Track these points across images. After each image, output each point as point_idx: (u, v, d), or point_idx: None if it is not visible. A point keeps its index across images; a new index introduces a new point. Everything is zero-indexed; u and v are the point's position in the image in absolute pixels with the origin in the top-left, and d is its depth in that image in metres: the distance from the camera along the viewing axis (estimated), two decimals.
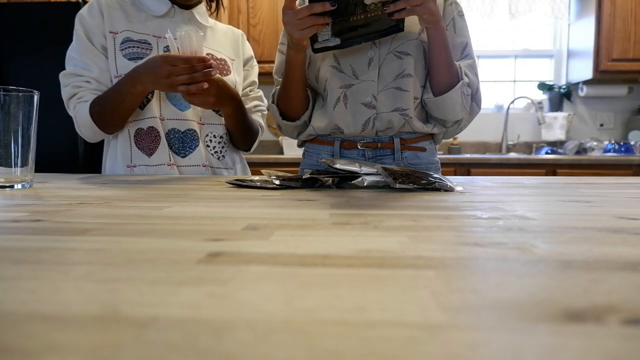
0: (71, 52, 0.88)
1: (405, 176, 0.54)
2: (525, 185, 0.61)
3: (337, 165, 0.57)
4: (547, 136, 2.75)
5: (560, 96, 2.78)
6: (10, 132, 0.54)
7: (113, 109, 0.84)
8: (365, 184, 0.55)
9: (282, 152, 2.73)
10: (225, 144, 0.98)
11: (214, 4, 1.01)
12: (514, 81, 2.91)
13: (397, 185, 0.52)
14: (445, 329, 0.13)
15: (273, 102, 0.92)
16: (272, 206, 0.39)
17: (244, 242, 0.25)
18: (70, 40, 0.90)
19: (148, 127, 0.89)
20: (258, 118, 1.03)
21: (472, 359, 0.11)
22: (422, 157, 0.89)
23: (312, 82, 0.91)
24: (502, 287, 0.17)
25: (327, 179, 0.58)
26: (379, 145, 0.87)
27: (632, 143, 2.52)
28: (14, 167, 0.55)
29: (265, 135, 2.82)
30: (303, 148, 0.99)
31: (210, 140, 0.95)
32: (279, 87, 0.90)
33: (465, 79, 0.83)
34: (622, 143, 2.53)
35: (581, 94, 2.74)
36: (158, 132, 0.89)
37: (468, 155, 2.38)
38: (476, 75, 0.86)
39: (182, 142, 0.91)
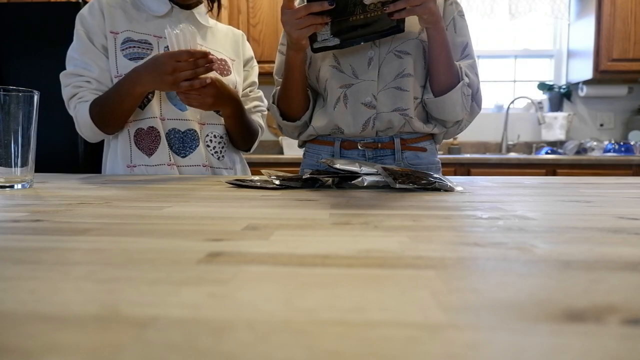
0: (72, 52, 0.88)
1: (405, 176, 0.54)
2: (525, 185, 0.61)
3: (337, 165, 0.57)
4: (547, 136, 2.75)
5: (560, 96, 2.78)
6: (10, 132, 0.54)
7: (112, 109, 0.84)
8: (365, 184, 0.55)
9: (282, 152, 2.73)
10: (225, 144, 0.98)
11: (215, 5, 1.01)
12: (514, 81, 2.91)
13: (397, 185, 0.52)
14: (445, 329, 0.13)
15: (273, 103, 0.92)
16: (272, 206, 0.39)
17: (244, 242, 0.25)
18: (71, 40, 0.91)
19: (148, 127, 0.89)
20: (258, 118, 1.03)
21: (472, 359, 0.11)
22: (422, 157, 0.89)
23: (313, 82, 0.91)
24: (502, 287, 0.17)
25: (327, 179, 0.58)
26: (379, 145, 0.87)
27: (632, 143, 2.52)
28: (14, 167, 0.55)
29: (265, 135, 2.82)
30: (303, 148, 0.99)
31: (211, 141, 0.95)
32: (279, 87, 0.89)
33: (466, 79, 0.82)
34: (622, 143, 2.53)
35: (581, 94, 2.74)
36: (158, 132, 0.89)
37: (468, 155, 2.38)
38: (476, 75, 0.86)
39: (182, 142, 0.91)
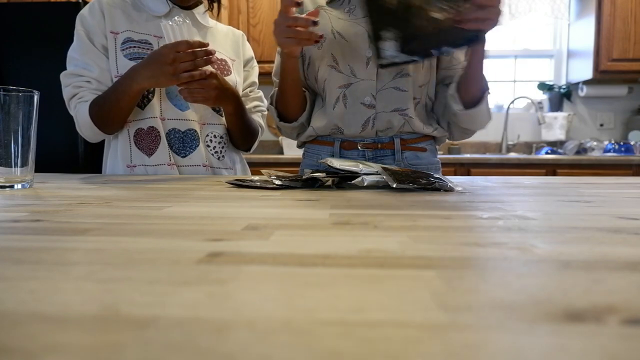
0: (72, 52, 0.88)
1: (405, 176, 0.54)
2: (525, 185, 0.61)
3: (337, 165, 0.57)
4: (547, 136, 2.75)
5: (560, 96, 2.78)
6: (10, 132, 0.54)
7: (110, 108, 0.84)
8: (365, 184, 0.55)
9: (282, 152, 2.73)
10: (225, 144, 0.98)
11: (215, 5, 1.01)
12: (514, 81, 2.91)
13: (397, 185, 0.52)
14: (445, 329, 0.13)
15: (272, 104, 0.92)
16: (272, 206, 0.39)
17: (244, 242, 0.25)
18: (71, 40, 0.91)
19: (148, 127, 0.89)
20: (258, 118, 1.03)
21: (472, 359, 0.11)
22: (422, 158, 0.89)
23: (312, 83, 0.91)
24: (502, 287, 0.17)
25: (327, 179, 0.58)
26: (379, 145, 0.87)
27: (632, 143, 2.52)
28: (14, 167, 0.55)
29: (265, 135, 2.82)
30: (303, 149, 0.99)
31: (211, 140, 0.95)
32: (277, 89, 0.90)
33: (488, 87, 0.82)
34: (622, 143, 2.53)
35: (581, 94, 2.74)
36: (158, 132, 0.89)
37: (468, 155, 2.38)
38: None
39: (183, 142, 0.91)
